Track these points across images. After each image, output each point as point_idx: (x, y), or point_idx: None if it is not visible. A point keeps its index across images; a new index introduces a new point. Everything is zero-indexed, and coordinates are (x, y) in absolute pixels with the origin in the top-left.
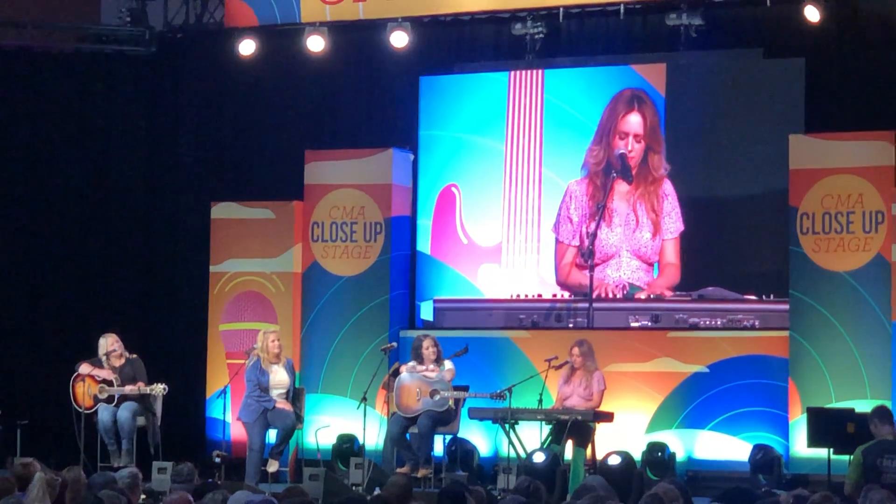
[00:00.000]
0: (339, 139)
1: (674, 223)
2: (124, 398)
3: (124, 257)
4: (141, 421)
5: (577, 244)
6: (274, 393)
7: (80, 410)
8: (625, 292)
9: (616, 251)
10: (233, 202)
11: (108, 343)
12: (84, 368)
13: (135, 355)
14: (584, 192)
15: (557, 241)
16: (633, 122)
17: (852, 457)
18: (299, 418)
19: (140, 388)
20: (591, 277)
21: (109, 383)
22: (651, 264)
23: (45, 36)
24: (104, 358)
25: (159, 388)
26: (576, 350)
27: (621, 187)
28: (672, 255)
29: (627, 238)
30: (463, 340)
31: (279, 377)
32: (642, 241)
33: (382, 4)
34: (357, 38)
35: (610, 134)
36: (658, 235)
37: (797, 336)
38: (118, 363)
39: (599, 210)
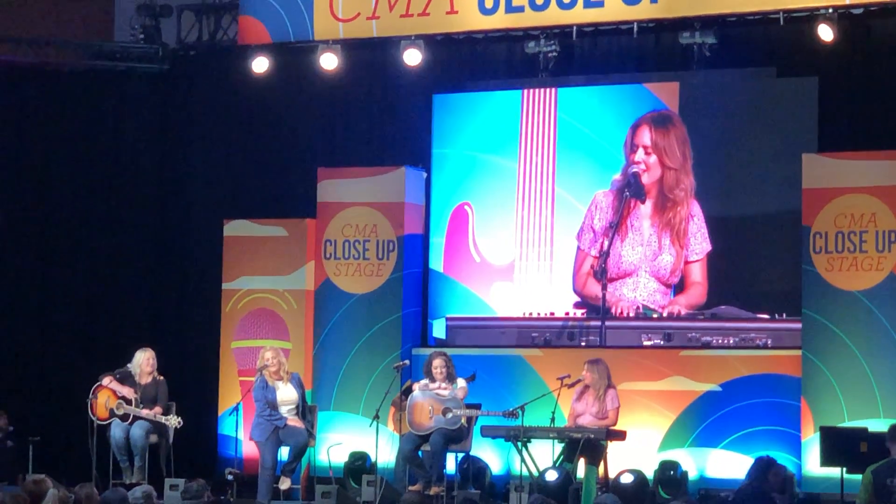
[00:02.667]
0: (351, 157)
1: (699, 244)
2: (139, 418)
3: (136, 274)
4: (153, 438)
5: (595, 254)
6: (283, 409)
7: (94, 420)
8: (638, 313)
9: (635, 269)
10: (245, 220)
11: (145, 358)
12: (106, 381)
13: (162, 377)
14: (609, 204)
15: (579, 249)
16: (643, 133)
17: (863, 476)
18: (311, 435)
19: (157, 414)
20: (604, 297)
21: (128, 401)
22: (669, 286)
23: (59, 53)
24: (136, 370)
25: (174, 421)
26: (586, 369)
27: (645, 208)
28: (699, 274)
29: (647, 259)
30: (475, 358)
31: (286, 393)
32: (662, 264)
33: (396, 22)
34: (370, 55)
35: (628, 150)
36: (681, 257)
37: (810, 355)
38: (145, 381)
39: (613, 229)
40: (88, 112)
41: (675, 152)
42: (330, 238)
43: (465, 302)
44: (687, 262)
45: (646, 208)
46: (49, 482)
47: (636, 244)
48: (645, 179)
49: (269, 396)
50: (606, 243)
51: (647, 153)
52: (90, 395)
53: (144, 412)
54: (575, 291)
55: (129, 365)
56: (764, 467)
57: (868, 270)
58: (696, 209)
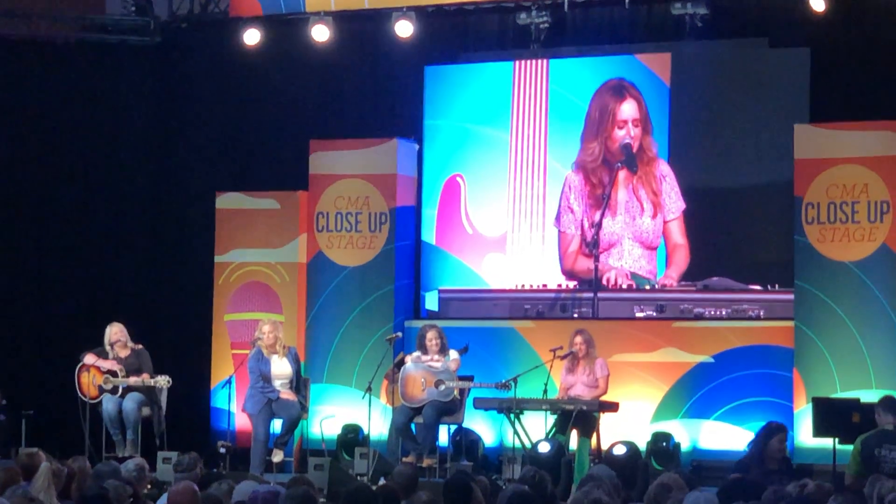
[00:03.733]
0: (343, 129)
1: (674, 202)
2: (129, 389)
3: (129, 247)
4: (146, 411)
5: (580, 233)
6: (276, 383)
7: (85, 400)
8: (630, 284)
9: (618, 239)
10: (238, 192)
11: (113, 332)
12: (89, 359)
13: (140, 346)
14: (582, 181)
15: (560, 233)
16: (628, 109)
17: (853, 447)
18: (304, 408)
19: (144, 380)
20: (596, 268)
21: (114, 374)
22: (654, 248)
23: (50, 26)
24: (109, 347)
25: (163, 381)
26: (578, 338)
27: (620, 174)
28: (679, 235)
29: (629, 225)
30: (468, 330)
31: (281, 367)
32: (643, 227)
33: None
34: (362, 27)
35: (608, 126)
36: (659, 215)
37: (802, 326)
38: (123, 353)
39: (605, 200)
40: (80, 85)
41: (648, 117)
42: (322, 210)
43: (458, 274)
44: (665, 223)
45: (620, 174)
46: (42, 456)
47: (615, 213)
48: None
49: (263, 369)
50: (598, 215)
51: (634, 125)
52: (76, 375)
53: (132, 380)
54: (564, 273)
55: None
56: (768, 432)
57: (860, 241)
58: (667, 169)
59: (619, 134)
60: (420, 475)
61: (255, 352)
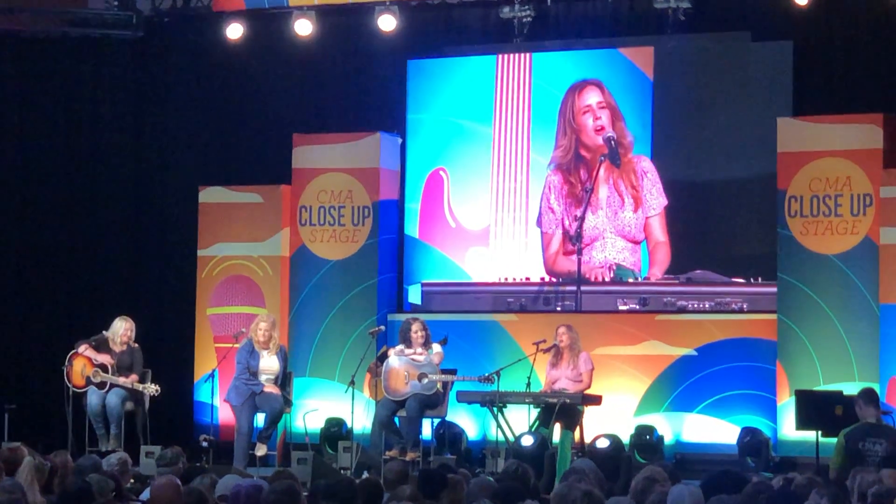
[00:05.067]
0: (327, 123)
1: (656, 199)
2: (115, 385)
3: (112, 241)
4: (129, 406)
5: (562, 231)
6: (262, 378)
7: (70, 387)
8: (612, 272)
9: (600, 233)
10: (221, 186)
11: (125, 328)
12: (82, 348)
13: (136, 344)
14: (561, 181)
15: (542, 233)
16: (590, 95)
17: (836, 440)
18: (287, 402)
19: (133, 382)
20: (579, 261)
21: (105, 368)
22: (637, 242)
23: (33, 20)
24: (111, 336)
25: (151, 389)
26: (562, 330)
27: (602, 170)
28: (660, 232)
29: (611, 219)
30: (451, 324)
31: (269, 363)
32: (626, 221)
33: None
34: (345, 21)
35: (573, 119)
36: (640, 210)
37: (785, 319)
38: (120, 349)
39: (587, 194)
40: (63, 79)
41: (616, 105)
42: (305, 204)
43: (441, 267)
44: (647, 218)
45: (602, 170)
46: (25, 450)
47: (596, 208)
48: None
49: (251, 363)
50: (580, 210)
51: (600, 107)
52: (66, 363)
53: (121, 380)
54: (547, 272)
55: (105, 332)
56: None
57: (843, 234)
58: (648, 165)
59: (587, 121)
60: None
61: (245, 344)
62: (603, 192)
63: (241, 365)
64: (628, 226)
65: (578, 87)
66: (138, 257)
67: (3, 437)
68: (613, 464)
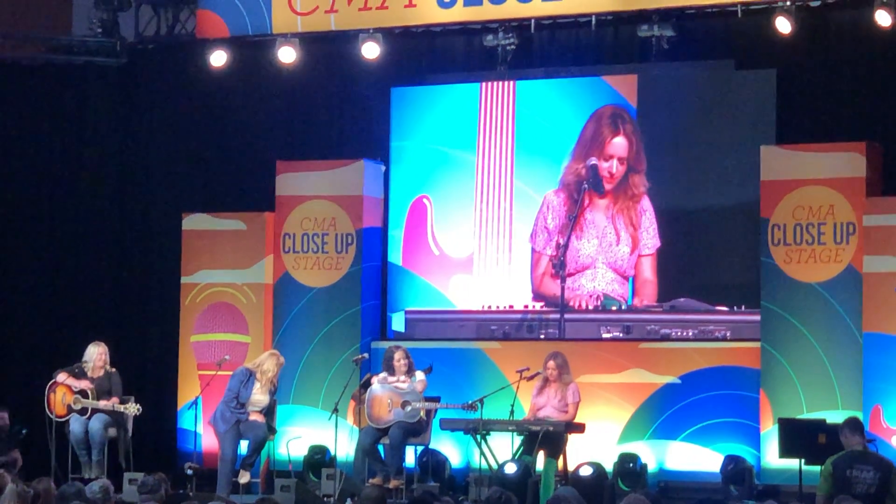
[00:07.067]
0: (310, 150)
1: (651, 239)
2: (97, 411)
3: (96, 268)
4: (112, 432)
5: (552, 254)
6: (249, 408)
7: (53, 418)
8: (599, 302)
9: (591, 262)
10: (204, 213)
11: (98, 353)
12: (61, 377)
13: (114, 369)
14: (561, 202)
15: (534, 251)
16: (619, 145)
17: (822, 468)
18: (271, 430)
19: (114, 404)
20: (563, 288)
21: (85, 395)
22: (626, 277)
23: (16, 46)
24: (87, 364)
25: (133, 408)
26: (551, 363)
27: (600, 201)
28: (649, 271)
29: (604, 251)
30: (434, 351)
31: (260, 398)
32: (619, 255)
33: (354, 16)
34: (329, 49)
35: (594, 155)
36: (636, 250)
37: (769, 347)
38: (97, 374)
39: (571, 221)
40: (46, 106)
41: (641, 156)
42: (289, 231)
43: (424, 295)
44: (640, 256)
45: (601, 201)
46: (8, 477)
47: (591, 237)
48: (606, 184)
49: (242, 392)
50: (564, 238)
51: (620, 164)
52: (46, 392)
53: (101, 404)
54: (534, 293)
55: (83, 360)
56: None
57: (826, 262)
58: (648, 204)
59: (604, 166)
60: (387, 496)
61: (242, 372)
62: (599, 221)
63: (232, 392)
64: (621, 260)
65: (612, 127)
66: (122, 284)
67: None
68: (597, 492)
